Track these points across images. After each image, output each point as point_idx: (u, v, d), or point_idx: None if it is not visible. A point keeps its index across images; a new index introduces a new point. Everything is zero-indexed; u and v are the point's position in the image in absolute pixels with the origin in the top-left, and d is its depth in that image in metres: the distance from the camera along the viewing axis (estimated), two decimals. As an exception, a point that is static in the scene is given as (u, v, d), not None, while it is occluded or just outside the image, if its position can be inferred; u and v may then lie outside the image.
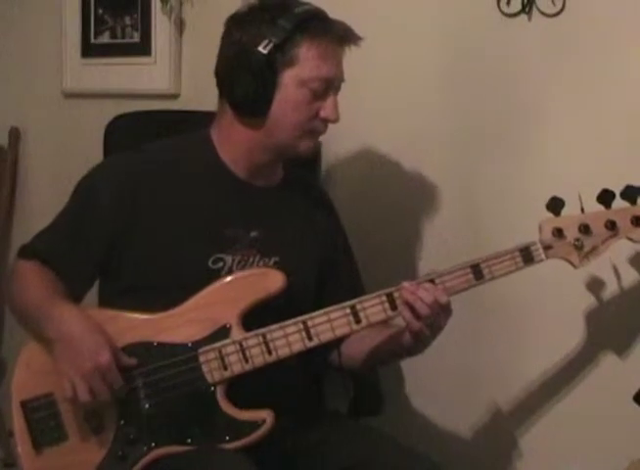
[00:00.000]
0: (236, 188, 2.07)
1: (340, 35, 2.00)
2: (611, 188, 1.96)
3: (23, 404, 1.94)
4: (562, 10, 2.24)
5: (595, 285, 2.25)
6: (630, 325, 2.24)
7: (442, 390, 2.49)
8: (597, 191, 1.97)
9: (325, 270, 2.14)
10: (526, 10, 2.28)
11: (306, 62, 1.97)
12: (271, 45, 1.95)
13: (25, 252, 2.07)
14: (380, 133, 2.51)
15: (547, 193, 1.98)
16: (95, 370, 1.86)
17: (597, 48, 2.22)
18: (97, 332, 1.90)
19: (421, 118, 2.46)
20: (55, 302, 1.95)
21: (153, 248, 2.02)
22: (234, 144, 2.05)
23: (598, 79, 2.23)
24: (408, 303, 1.91)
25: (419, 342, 1.95)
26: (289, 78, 1.97)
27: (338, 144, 2.52)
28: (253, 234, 2.05)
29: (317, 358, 2.09)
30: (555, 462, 2.36)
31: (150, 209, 2.02)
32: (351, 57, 2.34)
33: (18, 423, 1.94)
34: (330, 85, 2.00)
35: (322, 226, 2.16)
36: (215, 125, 2.09)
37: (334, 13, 2.04)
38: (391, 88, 2.49)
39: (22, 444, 1.94)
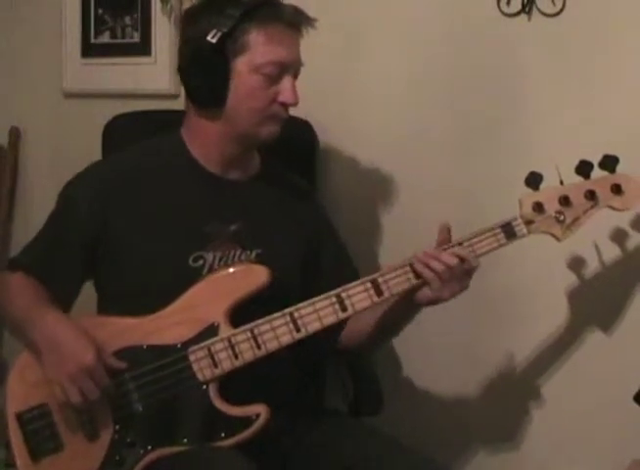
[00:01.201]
0: (210, 183, 2.07)
1: (289, 19, 2.00)
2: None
3: (19, 416, 1.95)
4: (562, 10, 2.24)
5: (601, 278, 2.26)
6: (634, 319, 2.24)
7: (442, 390, 2.49)
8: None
9: (310, 260, 2.14)
10: (526, 10, 2.28)
11: (257, 47, 1.97)
12: (219, 34, 1.96)
13: (10, 264, 2.10)
14: (378, 130, 2.51)
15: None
16: (80, 371, 1.87)
17: (597, 48, 2.22)
18: (80, 334, 1.91)
19: (420, 117, 2.46)
20: (38, 308, 1.96)
21: (132, 252, 2.02)
22: (202, 139, 2.06)
23: (597, 79, 2.23)
24: (429, 265, 1.92)
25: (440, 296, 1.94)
26: (242, 65, 1.98)
27: (334, 140, 2.53)
28: (233, 228, 2.05)
29: (313, 348, 2.07)
30: (555, 462, 2.36)
31: (125, 213, 2.03)
32: (350, 55, 2.35)
33: (14, 435, 1.94)
34: (285, 69, 2.00)
35: (302, 216, 2.16)
36: (184, 124, 2.10)
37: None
38: (390, 86, 2.49)
39: (19, 455, 1.94)
